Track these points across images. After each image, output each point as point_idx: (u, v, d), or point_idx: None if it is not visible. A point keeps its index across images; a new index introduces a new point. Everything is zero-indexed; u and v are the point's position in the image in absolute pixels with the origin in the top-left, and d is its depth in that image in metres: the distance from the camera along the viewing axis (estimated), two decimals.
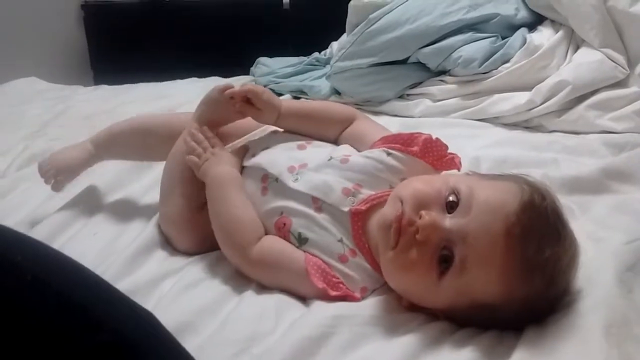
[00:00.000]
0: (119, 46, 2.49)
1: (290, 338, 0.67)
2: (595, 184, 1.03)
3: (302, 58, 1.95)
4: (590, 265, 0.72)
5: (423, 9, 1.50)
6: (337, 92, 1.62)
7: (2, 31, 2.33)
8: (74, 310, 0.49)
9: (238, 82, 1.11)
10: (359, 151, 0.87)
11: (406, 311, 0.72)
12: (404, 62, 1.52)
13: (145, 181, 1.15)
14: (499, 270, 0.65)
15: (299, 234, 0.79)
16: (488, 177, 0.77)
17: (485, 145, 1.23)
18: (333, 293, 0.74)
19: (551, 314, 0.67)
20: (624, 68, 1.32)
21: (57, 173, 1.06)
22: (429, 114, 1.45)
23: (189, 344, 0.58)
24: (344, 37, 1.72)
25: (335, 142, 0.93)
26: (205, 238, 0.87)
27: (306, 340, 0.67)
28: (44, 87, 1.92)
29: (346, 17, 1.64)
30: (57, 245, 0.91)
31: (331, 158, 0.84)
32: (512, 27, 1.51)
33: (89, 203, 1.07)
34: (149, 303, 0.77)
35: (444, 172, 0.85)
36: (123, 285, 0.78)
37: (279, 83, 1.74)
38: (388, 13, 1.52)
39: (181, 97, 1.69)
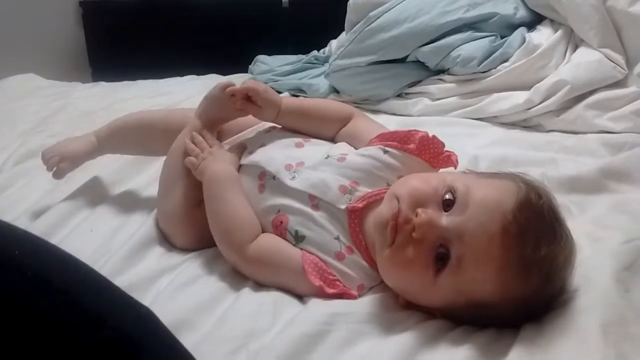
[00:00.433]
0: (117, 43, 2.48)
1: (287, 335, 0.67)
2: (593, 184, 1.03)
3: (300, 56, 1.94)
4: (588, 264, 0.72)
5: (422, 7, 1.50)
6: (335, 91, 1.61)
7: (0, 28, 2.33)
8: (74, 307, 0.49)
9: (237, 80, 1.11)
10: (356, 149, 0.87)
11: (403, 309, 0.72)
12: (402, 60, 1.52)
13: (144, 177, 1.15)
14: (496, 268, 0.65)
15: (296, 231, 0.79)
16: (485, 175, 0.78)
17: (483, 145, 1.23)
18: (330, 291, 0.74)
19: (548, 312, 0.67)
20: (622, 68, 1.32)
21: (60, 160, 1.06)
22: (427, 113, 1.45)
23: (186, 340, 0.58)
24: (342, 35, 1.72)
25: (333, 139, 0.93)
26: (204, 234, 0.86)
27: (303, 338, 0.67)
28: (42, 84, 1.91)
29: (345, 15, 1.64)
30: (55, 240, 0.92)
31: (328, 156, 0.84)
32: (511, 26, 1.50)
33: (88, 199, 1.07)
34: (146, 300, 0.76)
35: (440, 170, 0.85)
36: (120, 281, 0.78)
37: (277, 81, 1.73)
38: (387, 11, 1.52)
39: (180, 94, 1.70)
